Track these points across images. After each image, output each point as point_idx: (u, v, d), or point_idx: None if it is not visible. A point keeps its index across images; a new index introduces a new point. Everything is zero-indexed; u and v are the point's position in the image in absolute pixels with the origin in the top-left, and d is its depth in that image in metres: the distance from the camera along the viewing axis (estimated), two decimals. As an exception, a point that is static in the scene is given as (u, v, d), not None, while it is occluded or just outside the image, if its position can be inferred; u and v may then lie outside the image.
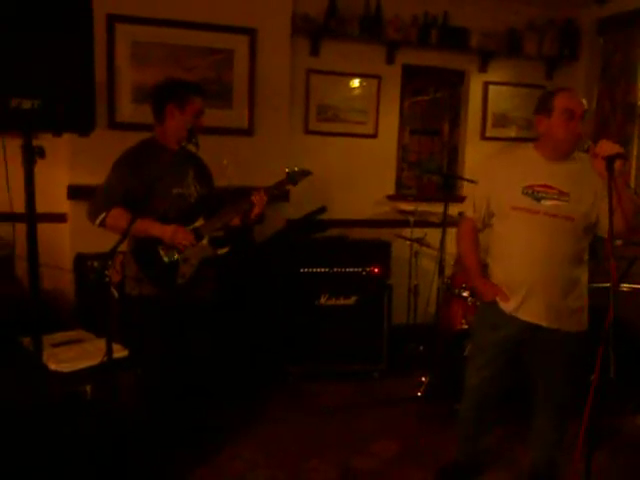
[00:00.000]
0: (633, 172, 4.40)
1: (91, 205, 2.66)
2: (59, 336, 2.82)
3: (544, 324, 2.40)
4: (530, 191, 2.37)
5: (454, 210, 4.15)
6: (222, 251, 2.77)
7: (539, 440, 2.63)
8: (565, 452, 2.56)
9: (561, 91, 2.34)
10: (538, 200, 2.35)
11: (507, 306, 2.45)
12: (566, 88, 2.43)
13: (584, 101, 2.32)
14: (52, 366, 2.42)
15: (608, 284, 1.97)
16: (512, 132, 5.03)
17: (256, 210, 2.74)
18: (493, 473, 2.83)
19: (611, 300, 1.93)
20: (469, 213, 2.60)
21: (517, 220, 2.39)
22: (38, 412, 2.14)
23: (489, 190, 2.49)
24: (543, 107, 2.35)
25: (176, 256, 2.65)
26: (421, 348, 4.25)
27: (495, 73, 4.90)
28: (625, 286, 3.48)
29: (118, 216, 2.57)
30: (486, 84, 4.90)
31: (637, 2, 4.15)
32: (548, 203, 2.35)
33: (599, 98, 4.64)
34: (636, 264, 3.41)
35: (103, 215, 2.59)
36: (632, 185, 4.28)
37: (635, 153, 4.41)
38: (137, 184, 2.59)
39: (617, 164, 2.05)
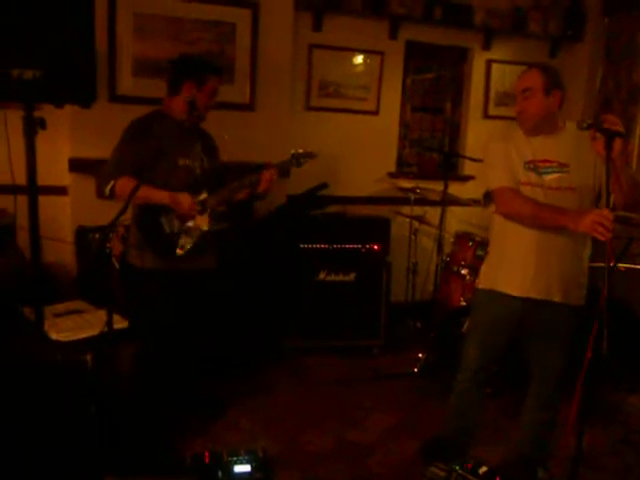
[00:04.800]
0: (635, 152, 4.39)
1: (101, 174, 2.66)
2: (60, 307, 2.85)
3: (555, 299, 2.38)
4: (532, 166, 2.35)
5: (454, 188, 4.17)
6: (221, 226, 2.79)
7: (527, 418, 2.63)
8: (556, 430, 2.59)
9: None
10: (540, 175, 2.34)
11: (515, 284, 2.41)
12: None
13: (534, 74, 2.50)
14: (53, 335, 2.44)
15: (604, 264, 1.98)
16: (514, 111, 4.99)
17: (265, 185, 2.74)
18: (481, 449, 2.77)
19: (605, 277, 1.95)
20: (503, 182, 2.37)
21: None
22: (40, 379, 2.18)
23: (508, 152, 2.41)
24: None
25: (177, 227, 2.67)
26: (419, 325, 4.30)
27: (498, 51, 4.86)
28: (622, 266, 3.49)
29: (126, 184, 2.56)
30: (489, 62, 4.87)
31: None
32: (550, 177, 2.33)
33: (603, 78, 4.62)
34: (633, 244, 3.42)
35: (112, 183, 2.60)
36: (633, 166, 4.28)
37: (638, 133, 4.40)
38: (146, 152, 2.62)
39: (617, 143, 2.05)
